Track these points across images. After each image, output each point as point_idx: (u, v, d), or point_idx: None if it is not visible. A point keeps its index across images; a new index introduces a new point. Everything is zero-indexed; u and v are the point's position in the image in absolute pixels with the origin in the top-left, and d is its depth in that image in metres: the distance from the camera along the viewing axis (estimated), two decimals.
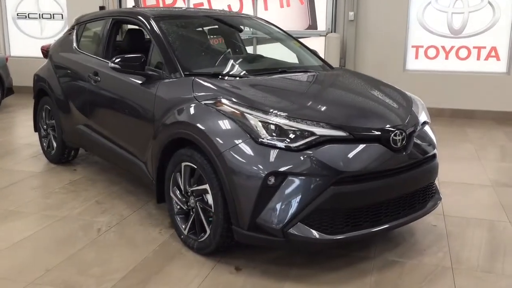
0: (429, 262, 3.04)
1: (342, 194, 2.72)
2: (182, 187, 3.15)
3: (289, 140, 2.73)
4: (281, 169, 2.68)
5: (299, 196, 2.68)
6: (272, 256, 3.06)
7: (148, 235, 3.35)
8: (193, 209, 3.08)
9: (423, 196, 3.18)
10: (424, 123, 3.29)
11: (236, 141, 2.78)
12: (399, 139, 2.89)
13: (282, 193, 2.69)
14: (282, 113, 2.83)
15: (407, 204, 3.05)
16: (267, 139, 2.73)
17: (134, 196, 4.02)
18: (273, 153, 2.71)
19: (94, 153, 4.58)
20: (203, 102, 3.05)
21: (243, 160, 2.73)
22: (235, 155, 2.75)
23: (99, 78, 3.99)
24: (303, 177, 2.68)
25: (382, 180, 2.83)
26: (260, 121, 2.79)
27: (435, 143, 3.27)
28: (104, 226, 3.49)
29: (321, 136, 2.76)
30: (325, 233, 2.72)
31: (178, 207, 3.20)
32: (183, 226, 3.18)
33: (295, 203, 2.68)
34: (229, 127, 2.85)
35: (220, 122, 2.89)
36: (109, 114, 3.96)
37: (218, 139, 2.83)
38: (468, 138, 6.24)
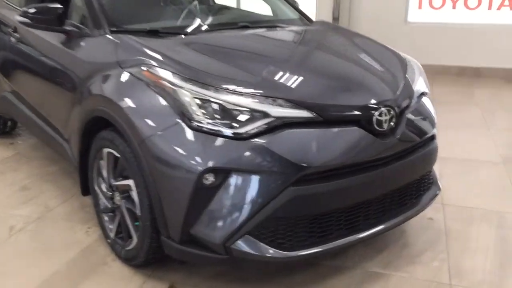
0: (422, 276, 2.37)
1: (306, 197, 2.01)
2: (106, 180, 2.45)
3: (234, 125, 2.00)
4: (222, 164, 1.96)
5: (247, 200, 1.97)
6: (216, 271, 2.39)
7: (71, 236, 2.68)
8: (119, 209, 2.39)
9: (416, 189, 2.47)
10: (422, 94, 2.54)
11: (164, 125, 2.05)
12: (385, 120, 2.16)
13: (224, 196, 1.99)
14: (227, 87, 2.08)
15: (395, 202, 2.35)
16: (205, 123, 2.00)
17: (71, 180, 3.32)
18: (212, 142, 1.98)
19: (24, 126, 3.86)
20: (125, 69, 2.29)
21: (172, 151, 2.01)
22: (162, 144, 2.03)
23: (18, 35, 3.21)
24: (252, 175, 1.97)
25: (361, 176, 2.12)
26: (196, 97, 2.04)
27: (435, 120, 2.53)
28: (20, 223, 2.81)
29: (277, 118, 2.02)
30: (282, 249, 2.04)
31: (104, 203, 2.51)
32: (110, 227, 2.50)
33: (241, 209, 1.98)
34: (156, 106, 2.10)
35: (145, 98, 2.15)
36: (31, 80, 3.20)
37: (141, 121, 2.10)
38: (475, 101, 5.45)
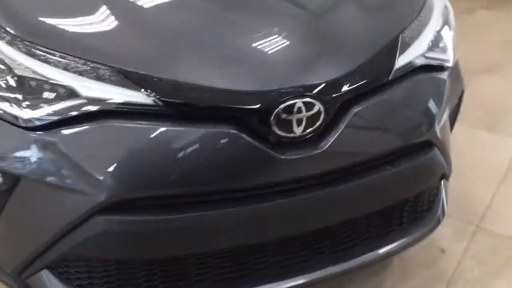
0: None
1: (124, 233, 1.24)
2: None
3: (23, 104, 1.21)
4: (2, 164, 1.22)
5: (38, 223, 1.27)
6: None
7: None
8: None
9: (389, 219, 1.58)
10: (427, 68, 1.50)
11: None
12: (299, 119, 1.23)
13: (13, 210, 1.27)
14: (25, 39, 1.26)
15: (342, 242, 1.50)
16: None
17: None
18: None
19: None
20: None
21: None
22: None
23: None
24: (43, 187, 1.22)
25: (246, 208, 1.26)
26: None
27: (440, 114, 1.50)
28: None
29: (90, 100, 1.19)
30: None
31: None
32: None
33: (32, 233, 1.29)
34: None
35: None
36: None
37: None
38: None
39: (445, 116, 1.55)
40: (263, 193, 1.26)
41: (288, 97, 1.21)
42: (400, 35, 1.45)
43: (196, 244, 1.29)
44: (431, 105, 1.49)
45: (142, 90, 1.18)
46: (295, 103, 1.21)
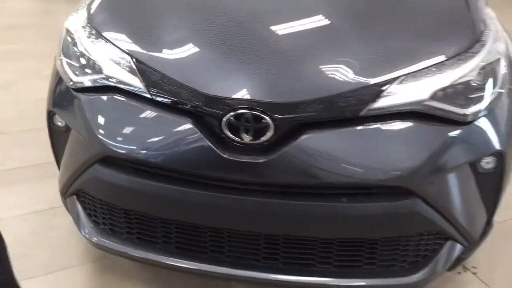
0: None
1: (105, 183, 1.63)
2: None
3: (75, 72, 1.71)
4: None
5: (75, 158, 1.71)
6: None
7: None
8: None
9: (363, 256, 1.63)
10: (423, 116, 1.51)
11: None
12: (246, 126, 1.45)
13: (69, 145, 1.75)
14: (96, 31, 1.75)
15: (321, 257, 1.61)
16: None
17: None
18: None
19: None
20: None
21: None
22: None
23: None
24: (78, 134, 1.68)
25: (199, 192, 1.52)
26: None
27: (418, 163, 1.48)
28: None
29: (107, 77, 1.61)
30: (97, 228, 1.75)
31: None
32: None
33: (71, 164, 1.73)
34: None
35: None
36: None
37: None
38: None
39: (448, 173, 1.52)
40: (206, 183, 1.50)
41: (241, 106, 1.43)
42: (388, 81, 1.48)
43: (153, 208, 1.61)
44: (414, 154, 1.48)
45: (140, 77, 1.54)
46: (244, 113, 1.43)
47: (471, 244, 1.70)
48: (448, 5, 1.86)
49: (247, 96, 1.46)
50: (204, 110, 1.47)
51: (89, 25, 1.75)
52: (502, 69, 1.63)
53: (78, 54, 1.70)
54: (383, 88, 1.47)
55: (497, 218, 1.81)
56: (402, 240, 1.60)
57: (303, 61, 1.57)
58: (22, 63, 3.86)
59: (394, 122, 1.49)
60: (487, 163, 1.61)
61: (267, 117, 1.43)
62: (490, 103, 1.58)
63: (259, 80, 1.51)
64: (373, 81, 1.48)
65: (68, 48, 1.75)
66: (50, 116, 1.79)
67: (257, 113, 1.43)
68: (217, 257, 1.63)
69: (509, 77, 1.69)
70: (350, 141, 1.48)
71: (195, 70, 1.54)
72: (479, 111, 1.55)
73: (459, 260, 1.72)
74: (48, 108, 1.79)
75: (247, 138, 1.45)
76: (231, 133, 1.45)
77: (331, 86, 1.49)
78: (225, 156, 1.45)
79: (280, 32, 1.69)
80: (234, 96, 1.46)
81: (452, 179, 1.56)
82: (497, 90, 1.60)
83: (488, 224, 1.78)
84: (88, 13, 1.81)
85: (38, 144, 2.54)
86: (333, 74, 1.52)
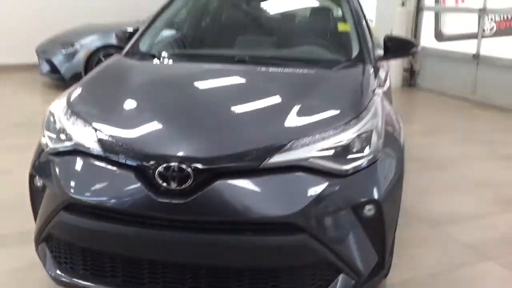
0: None
1: (69, 225, 2.09)
2: None
3: (52, 141, 2.30)
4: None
5: (45, 208, 2.19)
6: None
7: None
8: None
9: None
10: (308, 169, 1.99)
11: None
12: (172, 176, 1.92)
13: (44, 198, 2.23)
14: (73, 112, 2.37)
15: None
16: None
17: None
18: None
19: None
20: None
21: None
22: None
23: None
24: (50, 189, 2.18)
25: (129, 227, 1.98)
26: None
27: (303, 205, 1.92)
28: None
29: (76, 144, 2.17)
30: (58, 267, 2.19)
31: None
32: None
33: (42, 214, 2.22)
34: None
35: None
36: None
37: None
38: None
39: (332, 215, 1.94)
40: (144, 222, 1.96)
41: (168, 161, 1.92)
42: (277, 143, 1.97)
43: (102, 244, 2.05)
44: (302, 198, 1.90)
45: (98, 143, 2.09)
46: (170, 166, 1.91)
47: (361, 278, 2.05)
48: (349, 88, 2.48)
49: (173, 153, 1.97)
50: (143, 165, 1.97)
51: (66, 107, 2.34)
52: (375, 138, 2.12)
53: (57, 128, 2.26)
54: (279, 147, 1.98)
55: None
56: (299, 270, 1.99)
57: (219, 128, 2.14)
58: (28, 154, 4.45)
59: (286, 173, 1.97)
60: (369, 210, 2.04)
61: (188, 168, 1.91)
62: (366, 162, 2.05)
63: (184, 142, 2.05)
64: (270, 142, 2.00)
65: (49, 125, 2.31)
66: (31, 178, 2.28)
67: (181, 165, 1.92)
68: (153, 286, 2.02)
69: (385, 144, 2.17)
70: (252, 187, 1.94)
71: (138, 136, 2.11)
72: (354, 168, 2.02)
73: None
74: (30, 172, 2.28)
75: (173, 185, 1.92)
76: (163, 181, 1.93)
77: (237, 145, 2.01)
78: (158, 199, 1.92)
79: (205, 110, 2.29)
80: (163, 153, 1.98)
81: (338, 220, 1.98)
82: (372, 153, 2.09)
83: (380, 266, 2.14)
84: (67, 99, 2.42)
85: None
86: (240, 136, 2.08)
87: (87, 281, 2.08)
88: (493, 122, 6.27)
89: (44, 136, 2.29)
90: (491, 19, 7.05)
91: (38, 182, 2.23)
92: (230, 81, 2.68)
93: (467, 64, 7.24)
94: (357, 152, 2.06)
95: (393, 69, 7.72)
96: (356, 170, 2.02)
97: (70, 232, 2.10)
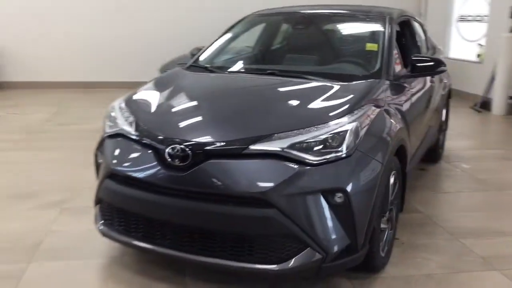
0: None
1: (110, 190, 2.78)
2: None
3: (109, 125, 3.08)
4: None
5: (100, 173, 2.94)
6: None
7: None
8: None
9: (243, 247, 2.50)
10: (282, 157, 2.44)
11: None
12: (176, 155, 2.53)
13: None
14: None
15: (207, 242, 2.56)
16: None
17: None
18: None
19: None
20: None
21: None
22: None
23: None
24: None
25: (151, 195, 2.61)
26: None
27: (273, 185, 2.39)
28: None
29: (121, 129, 2.89)
30: (104, 223, 2.88)
31: None
32: None
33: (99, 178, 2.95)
34: None
35: None
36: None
37: None
38: None
39: (300, 196, 2.37)
40: (160, 191, 2.57)
41: (174, 143, 2.55)
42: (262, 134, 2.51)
43: (132, 206, 2.72)
44: (274, 179, 2.38)
45: (134, 128, 2.81)
46: (176, 147, 2.53)
47: (328, 255, 2.42)
48: (344, 97, 2.90)
49: (178, 138, 2.61)
50: (158, 146, 2.63)
51: (122, 102, 3.13)
52: (350, 138, 2.52)
53: (112, 118, 3.02)
54: (260, 138, 2.51)
55: None
56: (271, 238, 2.43)
57: (217, 121, 2.80)
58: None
59: (265, 159, 2.48)
60: (339, 197, 2.44)
61: (187, 150, 2.52)
62: (336, 157, 2.47)
63: (188, 131, 2.72)
64: (254, 134, 2.55)
65: (108, 115, 3.07)
66: (96, 156, 3.03)
67: (182, 147, 2.53)
68: (162, 242, 2.64)
69: (368, 147, 2.59)
70: (235, 167, 2.49)
71: (158, 125, 2.81)
72: (324, 159, 2.45)
73: (324, 270, 2.47)
74: (95, 152, 3.04)
75: (177, 162, 2.53)
76: (170, 159, 2.54)
77: (227, 134, 2.62)
78: (166, 172, 2.55)
79: (214, 108, 2.97)
80: (171, 138, 2.63)
81: (305, 202, 2.40)
82: (345, 150, 2.49)
83: (352, 248, 2.50)
84: (125, 97, 3.23)
85: None
86: (231, 127, 2.68)
87: (120, 235, 2.77)
88: None
89: (104, 122, 3.05)
90: None
91: (100, 159, 2.95)
92: (248, 87, 3.33)
93: None
94: (331, 147, 2.49)
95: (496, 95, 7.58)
96: (326, 162, 2.45)
97: (110, 196, 2.81)
